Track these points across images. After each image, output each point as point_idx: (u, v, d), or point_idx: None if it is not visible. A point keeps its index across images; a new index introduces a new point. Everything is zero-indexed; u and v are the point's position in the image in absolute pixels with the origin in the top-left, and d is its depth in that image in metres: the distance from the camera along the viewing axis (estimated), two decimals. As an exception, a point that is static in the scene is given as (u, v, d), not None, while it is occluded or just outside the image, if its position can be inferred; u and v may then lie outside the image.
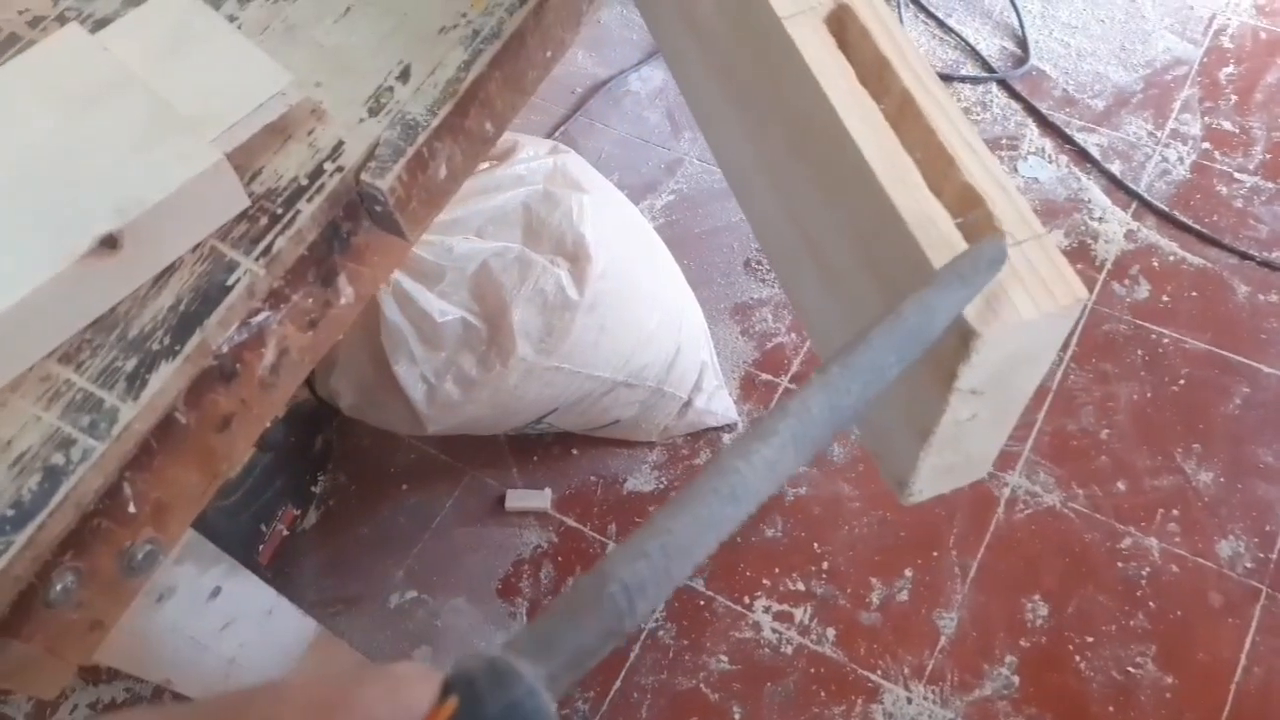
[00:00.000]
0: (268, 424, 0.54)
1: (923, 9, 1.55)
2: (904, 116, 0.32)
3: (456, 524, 1.24)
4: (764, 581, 1.17)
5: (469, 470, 1.27)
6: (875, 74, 0.33)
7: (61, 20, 0.57)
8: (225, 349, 0.48)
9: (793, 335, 1.32)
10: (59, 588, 0.45)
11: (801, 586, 1.16)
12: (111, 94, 0.49)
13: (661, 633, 1.15)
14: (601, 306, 1.06)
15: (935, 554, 1.17)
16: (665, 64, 0.52)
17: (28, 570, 0.43)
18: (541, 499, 1.24)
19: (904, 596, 1.15)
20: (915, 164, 0.30)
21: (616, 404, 1.18)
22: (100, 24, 0.56)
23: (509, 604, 1.19)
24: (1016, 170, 1.41)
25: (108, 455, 0.44)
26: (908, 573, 1.16)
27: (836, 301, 0.38)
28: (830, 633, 1.13)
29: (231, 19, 0.56)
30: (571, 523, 1.24)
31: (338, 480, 1.27)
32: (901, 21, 1.53)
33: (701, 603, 1.17)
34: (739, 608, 1.16)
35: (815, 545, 1.19)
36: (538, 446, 1.28)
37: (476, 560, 1.22)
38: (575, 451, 1.28)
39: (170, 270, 0.48)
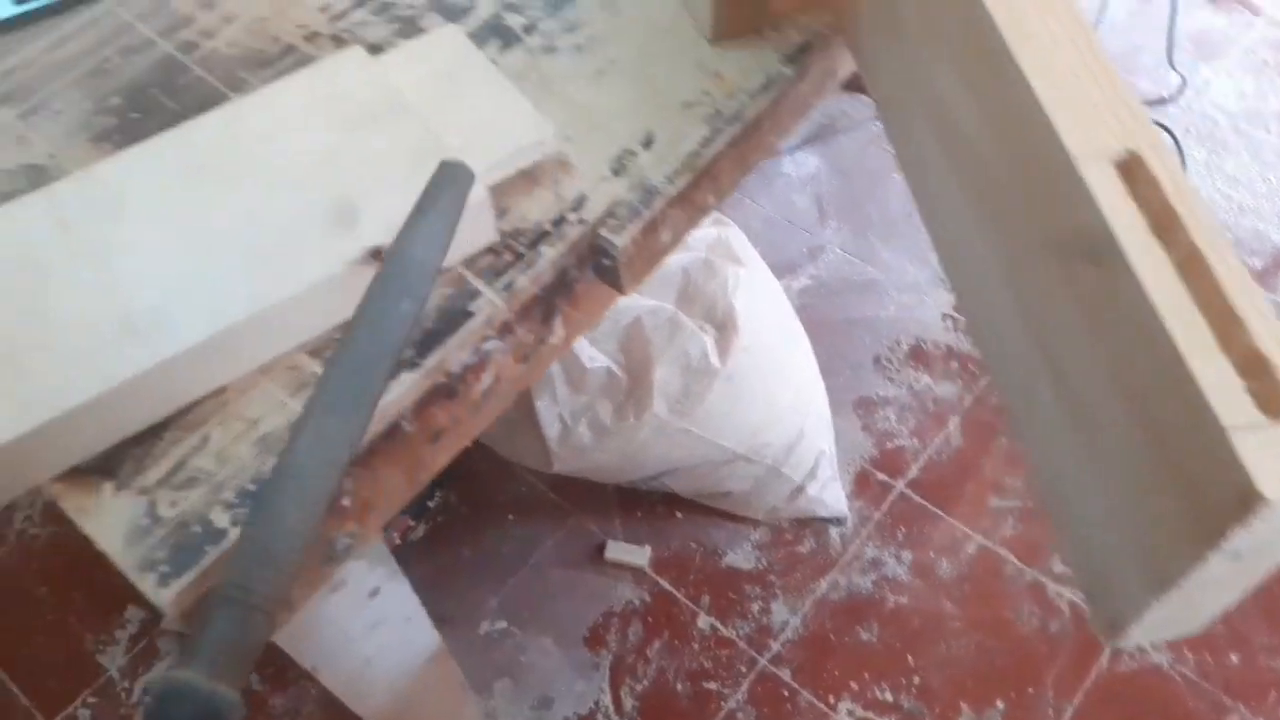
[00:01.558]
0: (469, 443, 0.57)
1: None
2: (1189, 272, 0.33)
3: (554, 563, 1.26)
4: (851, 684, 1.16)
5: (574, 513, 1.29)
6: (1162, 225, 0.34)
7: (336, 40, 0.62)
8: (456, 369, 0.51)
9: (915, 440, 1.32)
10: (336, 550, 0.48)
11: (889, 697, 1.15)
12: (387, 118, 0.53)
13: (740, 716, 1.14)
14: (739, 378, 1.08)
15: (1031, 690, 1.14)
16: (900, 161, 0.55)
17: (250, 543, 0.46)
18: (640, 555, 1.25)
19: (992, 726, 1.12)
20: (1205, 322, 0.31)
21: (733, 476, 1.19)
22: (372, 49, 0.61)
23: (594, 654, 1.20)
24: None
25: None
26: (999, 704, 1.14)
27: (1072, 428, 0.39)
28: (911, 747, 1.11)
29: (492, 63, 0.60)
30: (666, 585, 1.24)
31: (449, 499, 1.30)
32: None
33: (785, 693, 1.16)
34: (822, 705, 1.14)
35: (909, 658, 1.17)
36: (643, 502, 1.29)
37: (569, 604, 1.23)
38: (679, 515, 1.29)
39: (416, 288, 0.52)
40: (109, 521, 0.45)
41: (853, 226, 1.51)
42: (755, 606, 1.22)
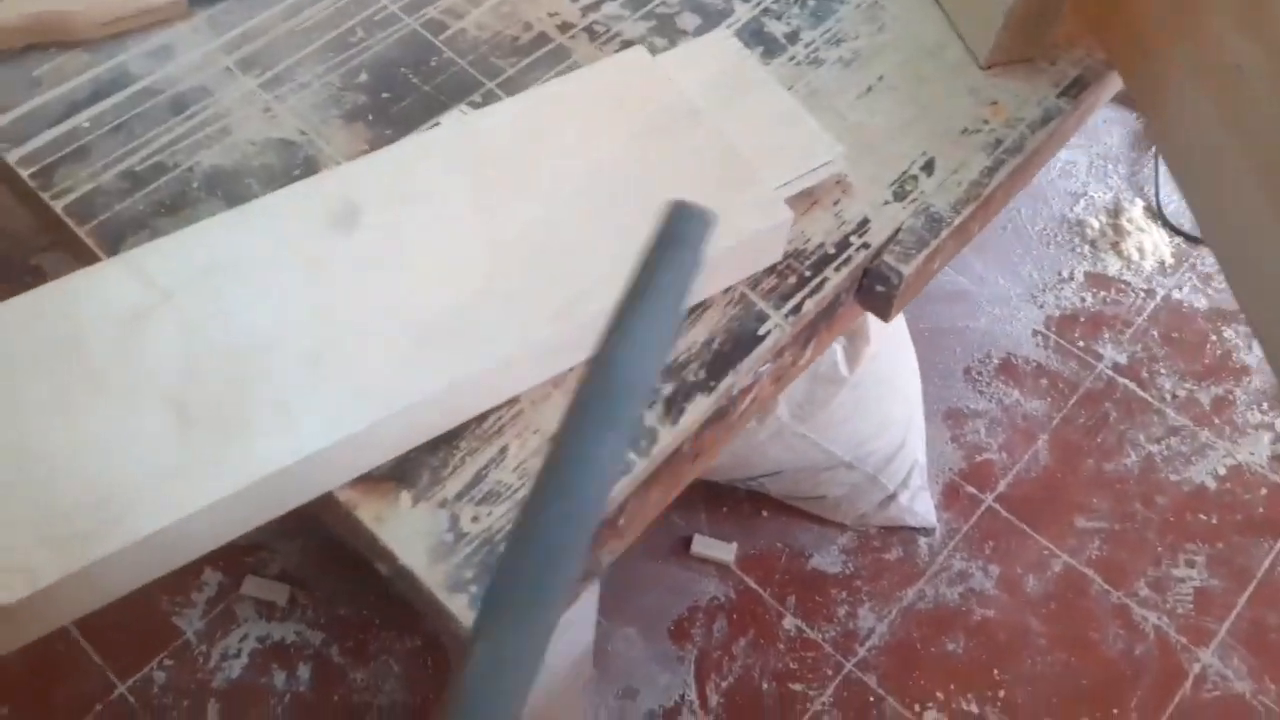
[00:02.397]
0: (710, 461, 0.55)
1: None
2: None
3: (640, 555, 1.25)
4: (937, 694, 1.16)
5: (657, 506, 1.28)
6: None
7: (590, 32, 0.59)
8: (736, 392, 0.49)
9: (1003, 454, 1.31)
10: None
11: (975, 709, 1.15)
12: (680, 126, 0.50)
13: (826, 718, 1.14)
14: (862, 387, 1.06)
15: (1115, 711, 1.15)
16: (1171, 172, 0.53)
17: (549, 566, 0.44)
18: (727, 551, 1.24)
19: (1076, 746, 1.13)
20: None
21: (832, 481, 1.18)
22: (626, 43, 0.59)
23: (679, 647, 1.19)
24: (1251, 348, 1.40)
25: (643, 471, 0.46)
26: (1083, 723, 1.14)
27: None
28: (996, 763, 1.12)
29: (752, 69, 0.58)
30: (751, 583, 1.23)
31: (536, 484, 1.28)
32: (1156, 176, 1.52)
33: (871, 699, 1.16)
34: (908, 714, 1.14)
35: (995, 671, 1.18)
36: (729, 499, 1.28)
37: (654, 596, 1.22)
38: (765, 514, 1.28)
39: (703, 306, 0.50)
40: (409, 534, 0.43)
41: (946, 233, 1.49)
42: (841, 611, 1.22)
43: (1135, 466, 1.31)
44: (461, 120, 0.52)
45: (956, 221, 0.53)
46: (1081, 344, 1.40)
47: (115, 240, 0.50)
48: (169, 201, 0.51)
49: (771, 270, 0.51)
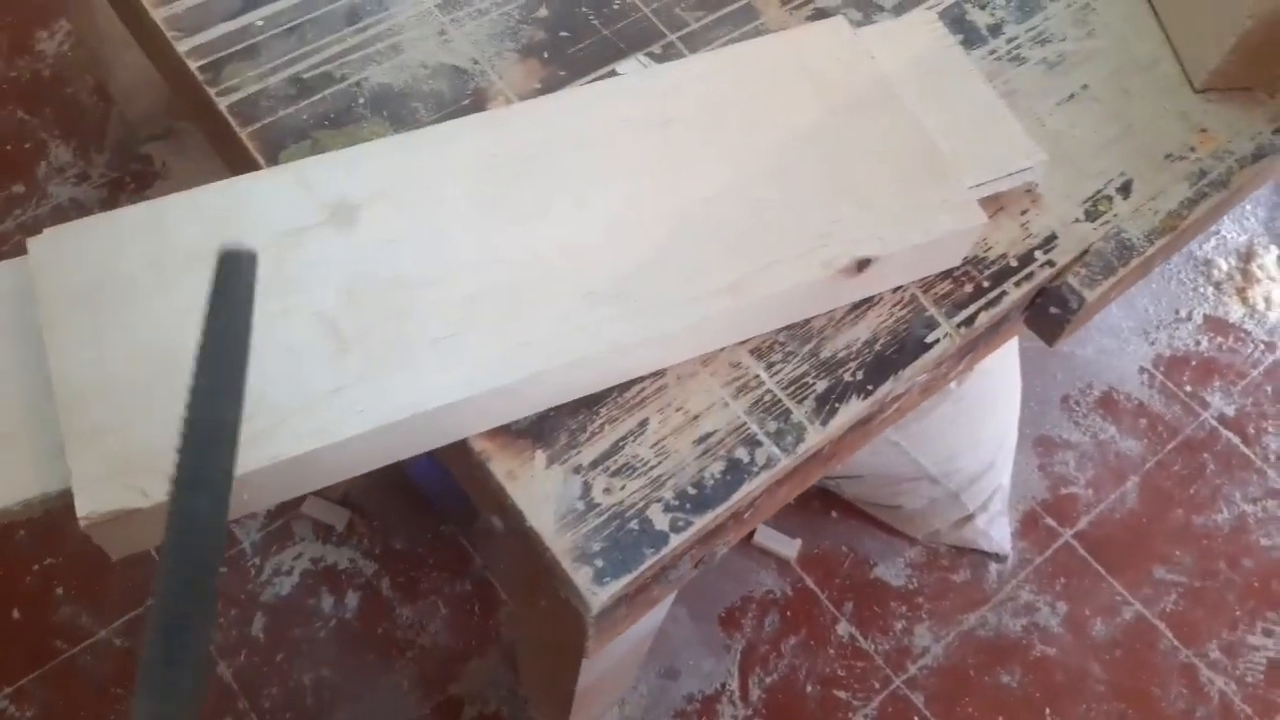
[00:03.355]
0: (839, 464, 0.53)
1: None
2: None
3: (700, 535, 1.23)
4: (985, 724, 1.13)
5: (725, 487, 1.25)
6: None
7: (778, -4, 0.56)
8: (889, 398, 0.47)
9: (1089, 491, 1.27)
10: (679, 572, 0.44)
11: (1023, 746, 1.12)
12: (876, 107, 0.47)
13: (870, 732, 1.12)
14: (964, 402, 1.03)
15: (1168, 772, 1.11)
16: None
17: (679, 552, 0.42)
18: (789, 547, 1.22)
19: (1123, 801, 1.09)
20: None
21: (913, 493, 1.14)
22: (820, 12, 0.55)
23: (727, 635, 1.17)
24: (1369, 420, 1.33)
25: (785, 468, 0.43)
26: (1134, 778, 1.10)
27: None
28: (1037, 804, 1.08)
29: (945, 59, 0.55)
30: (810, 583, 1.21)
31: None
32: None
33: (915, 719, 1.13)
34: (954, 740, 1.12)
35: (1047, 711, 1.14)
36: (800, 493, 1.25)
37: (709, 580, 1.20)
38: (834, 514, 1.25)
39: (869, 302, 0.47)
40: (540, 495, 0.41)
41: (1063, 255, 1.44)
42: (898, 625, 1.19)
43: (1226, 524, 1.25)
44: (646, 72, 0.49)
45: (1149, 252, 0.49)
46: (1189, 389, 1.34)
47: (275, 146, 0.48)
48: (333, 114, 0.49)
49: (947, 275, 0.48)
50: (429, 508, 1.20)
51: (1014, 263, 0.48)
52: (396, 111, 0.49)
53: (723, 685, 1.14)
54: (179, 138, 1.30)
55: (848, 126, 0.47)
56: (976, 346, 0.51)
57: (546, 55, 0.52)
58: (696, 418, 0.44)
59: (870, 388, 0.45)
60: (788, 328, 0.46)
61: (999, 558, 1.22)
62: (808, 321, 0.46)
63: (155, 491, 0.36)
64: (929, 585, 1.21)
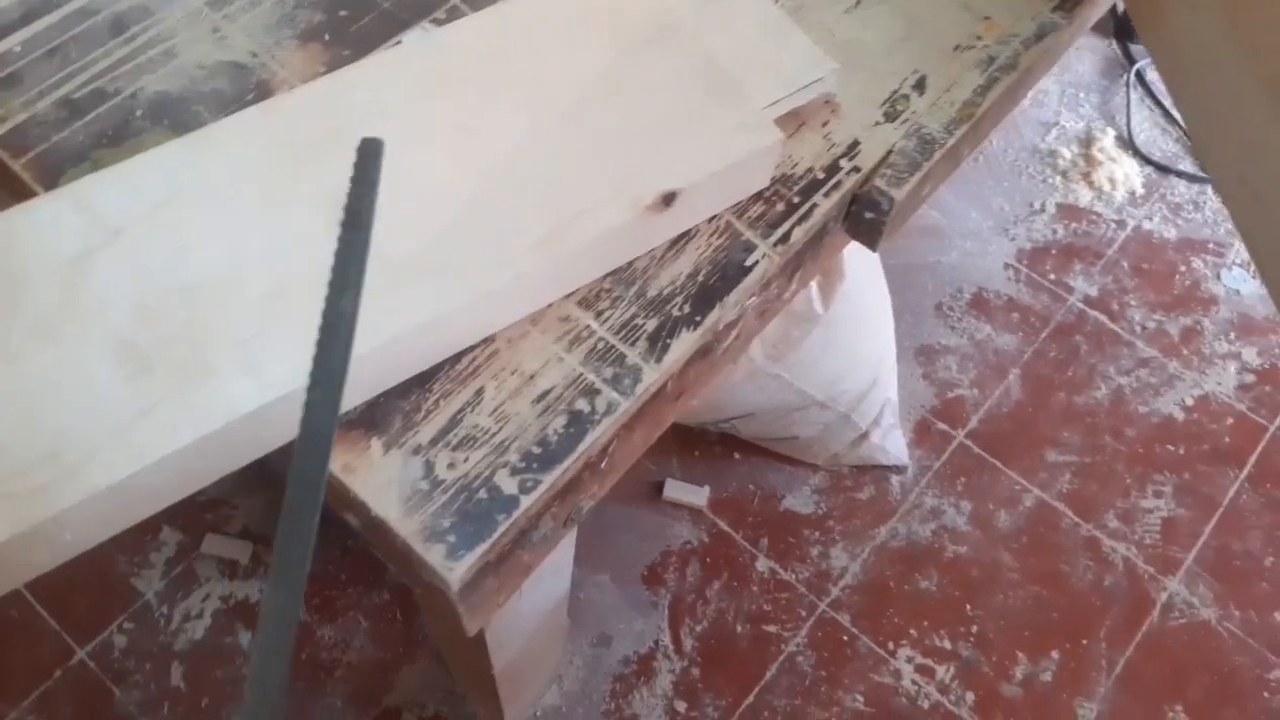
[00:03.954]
0: (692, 401, 0.53)
1: (1149, 93, 1.53)
2: None
3: (611, 499, 1.23)
4: (910, 631, 1.16)
5: (628, 449, 1.26)
6: None
7: (558, -54, 0.55)
8: (721, 327, 0.47)
9: (975, 390, 1.31)
10: (541, 533, 0.44)
11: (948, 645, 1.15)
12: (663, 40, 0.47)
13: (800, 659, 1.14)
14: (835, 325, 1.05)
15: (1085, 642, 1.16)
16: (1186, 111, 0.52)
17: (535, 511, 0.42)
18: (699, 495, 1.23)
19: (1048, 677, 1.14)
20: None
21: (804, 421, 1.17)
22: (597, -41, 0.55)
23: (652, 592, 1.18)
24: (1219, 278, 1.40)
25: (627, 411, 0.43)
26: (1054, 654, 1.15)
27: None
28: (969, 696, 1.12)
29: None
30: (724, 526, 1.22)
31: (505, 431, 1.25)
32: (1128, 104, 1.51)
33: (845, 638, 1.16)
34: (882, 651, 1.15)
35: (967, 607, 1.18)
36: (700, 442, 1.27)
37: (626, 542, 1.21)
38: (737, 456, 1.27)
39: (687, 236, 0.47)
40: (381, 483, 0.41)
41: (916, 168, 1.47)
42: (814, 551, 1.21)
43: (1105, 399, 1.31)
44: (427, 37, 0.48)
45: (949, 143, 0.51)
46: (1053, 276, 1.39)
47: (54, 174, 0.46)
48: (111, 131, 0.47)
49: (758, 197, 0.48)
50: (330, 524, 1.17)
51: (821, 175, 0.49)
52: (178, 118, 0.48)
53: (656, 642, 1.15)
54: None
55: (637, 65, 0.46)
56: (803, 263, 0.51)
57: (328, 38, 0.51)
58: (533, 377, 0.43)
59: (698, 319, 0.45)
60: (611, 274, 0.46)
61: (899, 469, 1.25)
62: (630, 264, 0.46)
63: (-37, 548, 0.34)
64: (837, 507, 1.24)
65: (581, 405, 0.43)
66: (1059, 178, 1.47)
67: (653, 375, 0.44)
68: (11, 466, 0.35)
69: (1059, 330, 1.36)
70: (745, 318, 0.50)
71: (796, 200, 0.48)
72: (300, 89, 0.45)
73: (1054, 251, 1.41)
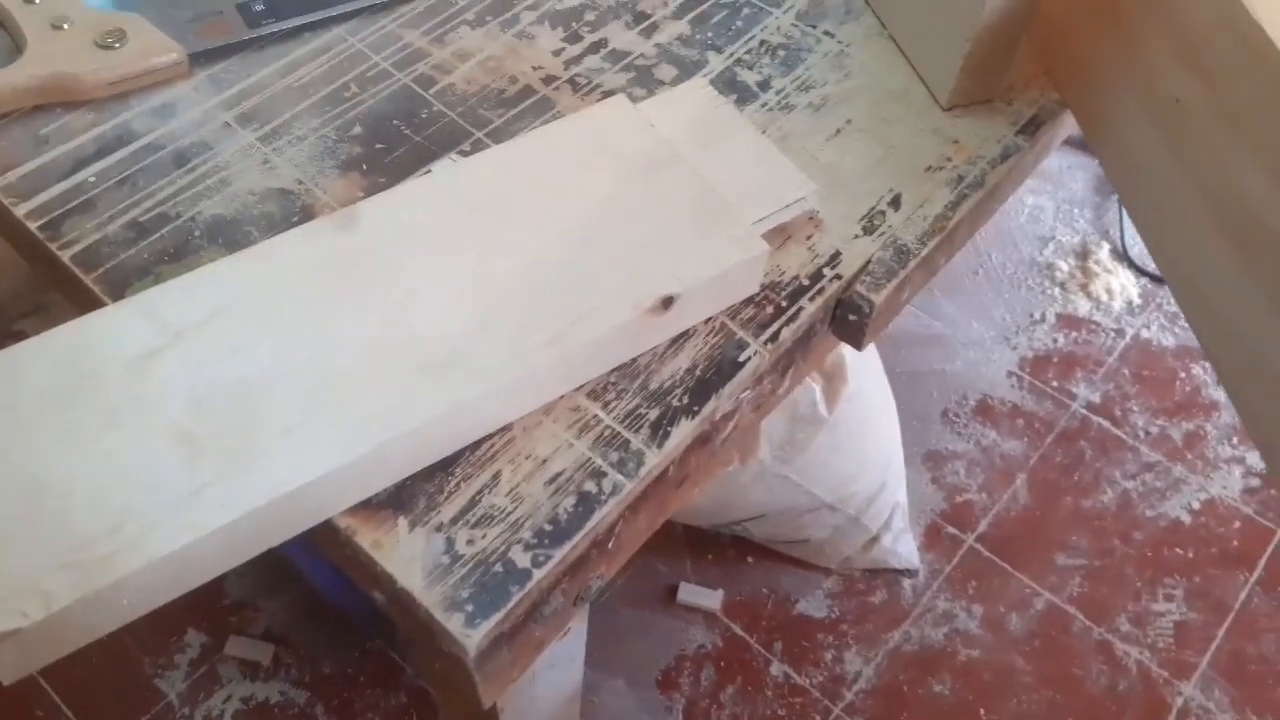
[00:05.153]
0: (695, 489, 0.57)
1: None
2: None
3: (625, 603, 1.25)
4: (926, 735, 1.16)
5: (643, 553, 1.29)
6: None
7: (573, 84, 0.62)
8: (718, 418, 0.52)
9: (983, 495, 1.34)
10: (552, 607, 0.48)
11: (964, 749, 1.15)
12: (661, 167, 0.53)
13: (818, 762, 1.14)
14: (841, 428, 1.09)
15: (1102, 747, 1.16)
16: (1141, 225, 0.57)
17: (546, 585, 0.46)
18: (713, 599, 1.25)
19: (1066, 783, 1.13)
20: None
21: (815, 523, 1.19)
22: (607, 94, 0.62)
23: (666, 697, 1.19)
24: (1219, 384, 1.43)
25: (631, 493, 0.47)
26: (1072, 760, 1.15)
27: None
28: (987, 803, 1.12)
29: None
30: (738, 630, 1.24)
31: (522, 535, 1.29)
32: (1120, 219, 1.58)
33: (861, 742, 1.16)
34: (898, 755, 1.15)
35: (981, 711, 1.18)
36: (713, 545, 1.29)
37: (640, 646, 1.22)
38: (750, 559, 1.29)
39: (686, 336, 0.52)
40: (407, 557, 0.45)
41: (918, 281, 1.53)
42: (828, 655, 1.22)
43: (1112, 503, 1.33)
44: (453, 166, 0.55)
45: (923, 253, 0.56)
46: (1055, 384, 1.43)
47: (121, 287, 0.52)
48: (172, 249, 0.53)
49: (750, 301, 0.53)
50: (351, 626, 1.20)
51: (806, 281, 0.54)
52: (231, 237, 0.54)
53: (671, 748, 1.16)
54: (48, 312, 1.32)
55: (638, 187, 0.52)
56: (795, 360, 0.56)
57: (365, 167, 0.57)
58: (545, 461, 0.48)
59: (696, 409, 0.50)
60: (617, 369, 0.51)
61: (910, 573, 1.27)
62: (634, 361, 0.51)
63: (34, 611, 0.39)
64: (850, 611, 1.25)
65: (590, 486, 0.47)
66: (1058, 289, 1.52)
67: (655, 459, 0.48)
68: (79, 538, 0.40)
69: (1063, 436, 1.39)
70: (741, 410, 0.54)
71: (784, 304, 0.53)
72: (340, 211, 0.51)
73: (1055, 360, 1.46)
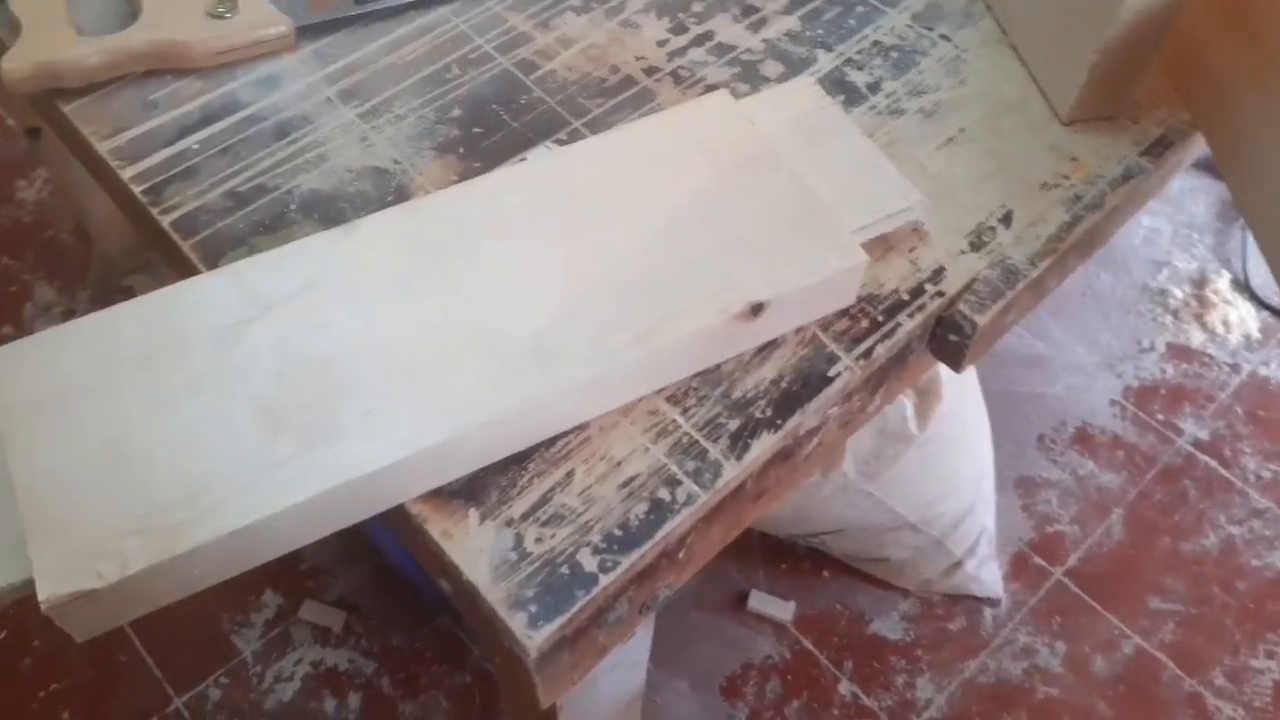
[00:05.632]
0: (773, 503, 0.55)
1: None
2: None
3: (694, 606, 1.24)
4: (997, 771, 1.12)
5: (717, 556, 1.27)
6: None
7: (675, 77, 0.61)
8: (803, 431, 0.50)
9: (1076, 527, 1.28)
10: (617, 614, 0.47)
11: (1036, 789, 1.11)
12: (760, 167, 0.52)
13: (880, 787, 1.11)
14: (931, 446, 1.05)
15: (1185, 803, 1.10)
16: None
17: (613, 591, 0.44)
18: (785, 610, 1.23)
19: (1143, 837, 1.08)
20: None
21: (896, 543, 1.16)
22: (710, 88, 0.60)
23: (730, 705, 1.17)
24: (1342, 430, 1.35)
25: (705, 504, 0.46)
26: (1151, 813, 1.09)
27: None
28: None
29: (833, 119, 0.59)
30: (808, 644, 1.21)
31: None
32: (1243, 247, 1.49)
33: (927, 771, 1.12)
34: (965, 789, 1.11)
35: (1057, 752, 1.13)
36: (789, 555, 1.27)
37: (708, 650, 1.21)
38: (826, 573, 1.26)
39: (774, 345, 0.50)
40: (475, 550, 0.44)
41: (1022, 299, 1.48)
42: (900, 679, 1.19)
43: (1214, 548, 1.26)
44: (549, 155, 0.54)
45: (1033, 275, 0.53)
46: (1161, 417, 1.36)
47: (215, 255, 0.52)
48: (268, 221, 0.53)
49: (844, 313, 0.51)
50: (423, 602, 1.21)
51: (905, 296, 0.52)
52: (326, 213, 0.54)
53: (730, 756, 1.14)
54: (157, 269, 1.36)
55: (735, 186, 0.51)
56: (888, 378, 0.54)
57: (462, 150, 0.57)
58: (619, 464, 0.47)
59: (779, 422, 0.48)
60: (700, 374, 0.49)
61: (992, 602, 1.23)
62: (718, 367, 0.49)
63: (110, 573, 0.39)
64: (926, 636, 1.21)
65: (663, 494, 0.46)
66: (1170, 317, 1.45)
67: (732, 471, 0.46)
68: (155, 504, 0.40)
69: (1166, 472, 1.32)
70: (827, 426, 0.52)
71: (880, 319, 0.51)
72: (435, 194, 0.50)
73: (1163, 391, 1.39)
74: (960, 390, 1.08)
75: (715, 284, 0.48)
